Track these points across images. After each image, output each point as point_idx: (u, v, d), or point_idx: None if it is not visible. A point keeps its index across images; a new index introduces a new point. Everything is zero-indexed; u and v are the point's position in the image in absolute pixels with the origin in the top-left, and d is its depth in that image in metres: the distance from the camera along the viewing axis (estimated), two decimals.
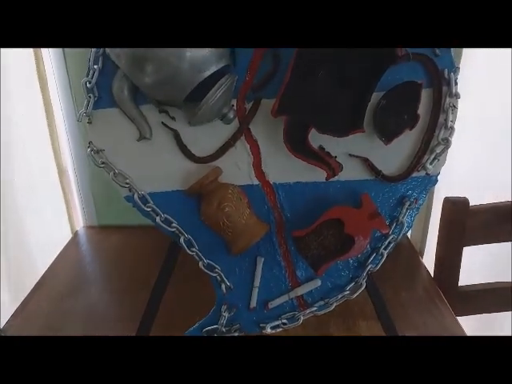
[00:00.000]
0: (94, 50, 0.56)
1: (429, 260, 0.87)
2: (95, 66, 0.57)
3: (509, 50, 0.78)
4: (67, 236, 0.95)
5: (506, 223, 0.79)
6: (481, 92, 0.83)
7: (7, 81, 0.80)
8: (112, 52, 0.54)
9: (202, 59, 0.51)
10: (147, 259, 0.85)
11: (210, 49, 0.51)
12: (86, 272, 0.85)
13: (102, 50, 0.56)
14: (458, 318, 0.72)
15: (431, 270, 0.84)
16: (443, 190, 0.83)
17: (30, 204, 0.90)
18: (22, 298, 0.77)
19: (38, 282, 0.81)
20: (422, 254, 0.91)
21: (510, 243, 0.84)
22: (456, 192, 0.81)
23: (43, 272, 0.83)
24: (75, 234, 0.96)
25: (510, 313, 0.85)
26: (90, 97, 0.57)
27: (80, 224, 0.98)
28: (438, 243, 0.82)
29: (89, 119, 0.58)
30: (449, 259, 0.82)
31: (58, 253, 0.89)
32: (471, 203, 0.78)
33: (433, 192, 0.86)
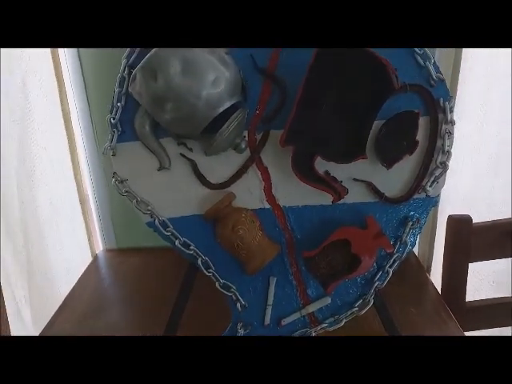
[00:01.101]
0: (117, 89, 0.61)
1: (436, 276, 0.88)
2: (118, 104, 0.61)
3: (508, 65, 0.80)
4: (88, 259, 0.98)
5: (509, 239, 0.80)
6: (481, 110, 0.86)
7: (34, 116, 0.85)
8: (134, 91, 0.58)
9: (217, 97, 0.55)
10: (165, 280, 0.87)
11: (223, 87, 0.55)
12: (107, 294, 0.88)
13: (124, 89, 0.61)
14: (466, 334, 0.73)
15: (438, 287, 0.85)
16: (448, 208, 0.86)
17: (52, 230, 0.93)
18: (47, 321, 0.79)
19: (61, 305, 0.83)
20: (429, 270, 0.92)
21: None
22: (459, 210, 0.83)
23: (66, 294, 0.86)
24: (95, 258, 0.98)
25: None
26: (113, 131, 0.62)
27: (100, 247, 1.01)
28: (444, 260, 0.84)
29: (113, 152, 0.62)
30: (455, 275, 0.83)
31: (79, 276, 0.92)
32: (474, 220, 0.80)
33: (437, 210, 0.88)
